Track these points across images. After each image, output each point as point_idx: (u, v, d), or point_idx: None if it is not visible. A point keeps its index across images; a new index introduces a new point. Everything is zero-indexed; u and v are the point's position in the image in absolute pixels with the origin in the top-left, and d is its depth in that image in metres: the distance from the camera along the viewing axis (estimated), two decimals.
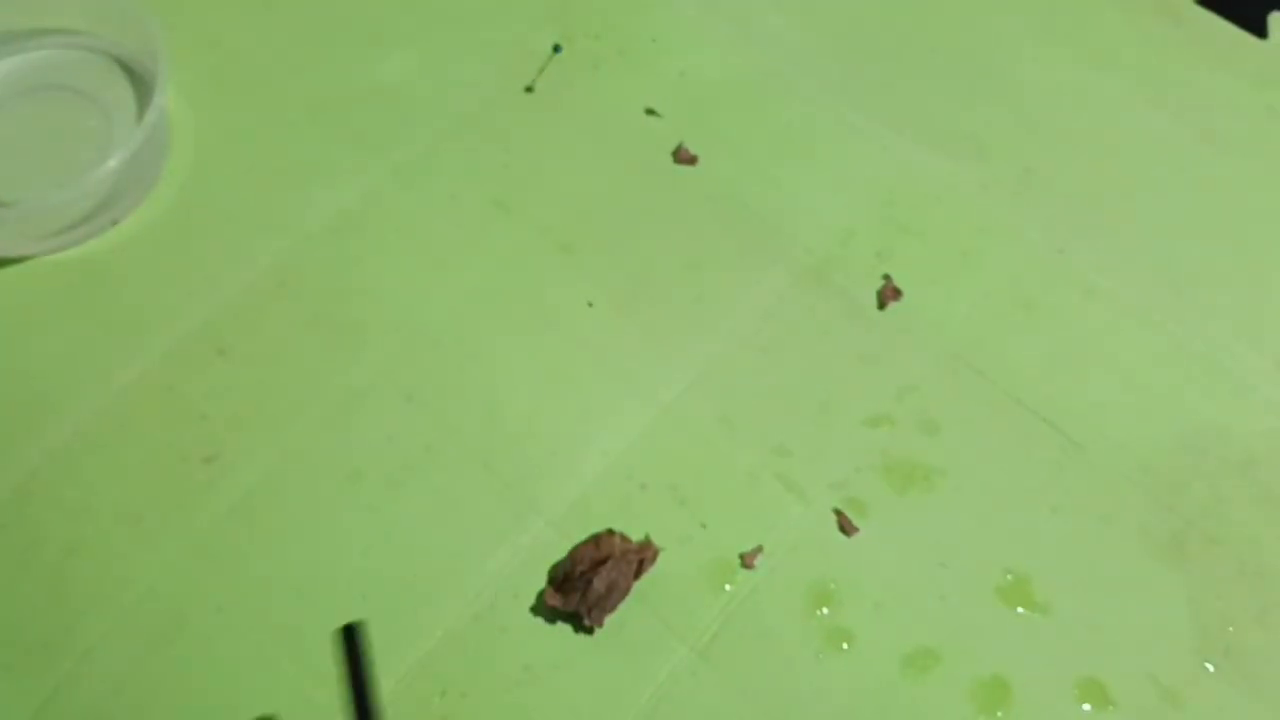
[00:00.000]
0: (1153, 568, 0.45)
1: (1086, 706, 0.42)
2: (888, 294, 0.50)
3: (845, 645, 0.43)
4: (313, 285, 0.50)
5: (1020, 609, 0.44)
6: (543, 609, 0.43)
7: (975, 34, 0.60)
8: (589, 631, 0.42)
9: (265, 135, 0.54)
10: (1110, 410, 0.48)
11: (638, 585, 0.43)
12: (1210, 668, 0.43)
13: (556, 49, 0.57)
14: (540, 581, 0.43)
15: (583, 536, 0.44)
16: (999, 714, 0.42)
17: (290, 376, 0.48)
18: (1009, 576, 0.44)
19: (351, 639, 0.35)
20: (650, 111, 0.56)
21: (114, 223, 0.51)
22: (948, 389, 0.48)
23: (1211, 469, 0.47)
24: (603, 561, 0.42)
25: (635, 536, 0.44)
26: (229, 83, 0.56)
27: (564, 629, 0.43)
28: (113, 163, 0.48)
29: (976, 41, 0.59)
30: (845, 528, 0.45)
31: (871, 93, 0.57)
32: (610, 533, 0.44)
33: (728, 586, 0.44)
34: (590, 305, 0.50)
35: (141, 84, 0.55)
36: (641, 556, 0.43)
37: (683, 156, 0.54)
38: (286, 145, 0.54)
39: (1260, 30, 0.61)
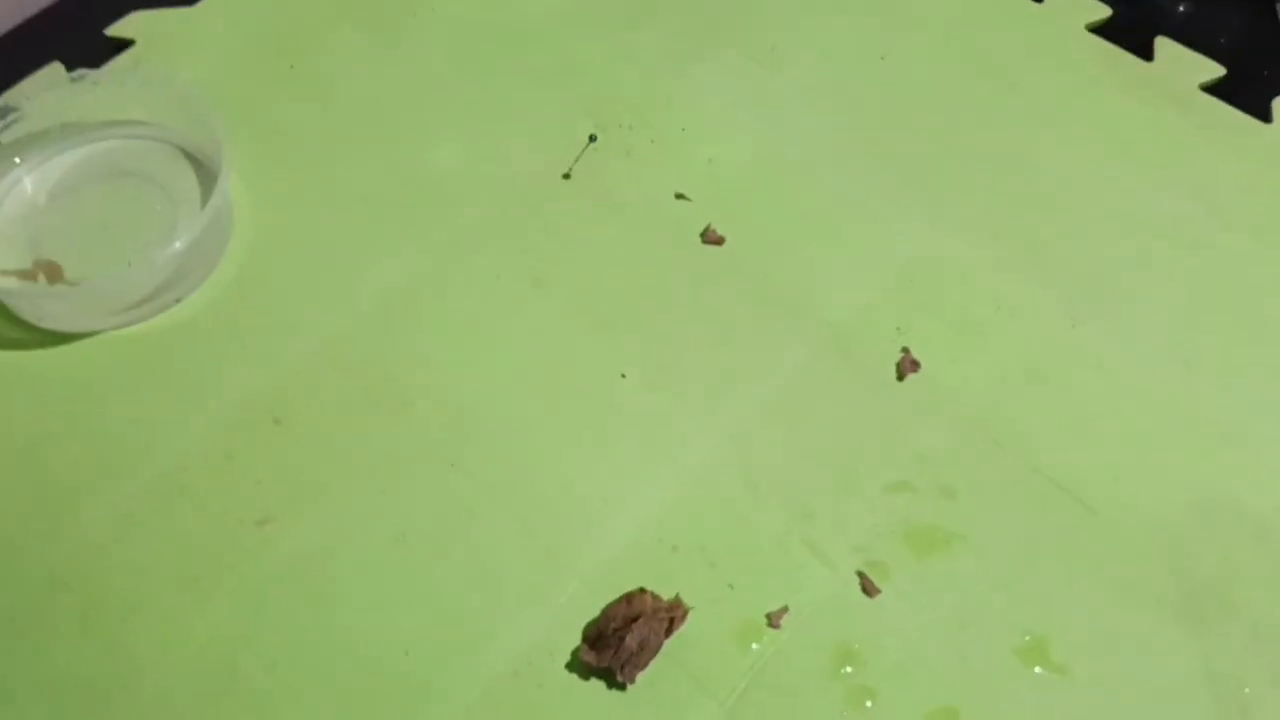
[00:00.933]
0: (1168, 631, 0.46)
1: None
2: (906, 366, 0.53)
3: (869, 703, 0.44)
4: (364, 359, 0.53)
5: (1039, 669, 0.45)
6: (578, 665, 0.45)
7: (989, 122, 0.63)
8: (622, 688, 0.44)
9: (321, 219, 0.58)
10: (1124, 478, 0.50)
11: (668, 644, 0.45)
12: None
13: (592, 138, 0.61)
14: (575, 639, 0.45)
15: (616, 596, 0.46)
16: None
17: (341, 444, 0.50)
18: (1027, 638, 0.46)
19: None
20: (680, 196, 0.59)
21: (177, 300, 0.55)
22: (965, 457, 0.50)
23: (1224, 536, 0.49)
24: (635, 619, 0.44)
25: (666, 596, 0.46)
26: (288, 170, 0.60)
27: (598, 685, 0.45)
28: (178, 245, 0.51)
29: (991, 129, 0.63)
30: (868, 589, 0.47)
31: (891, 178, 0.60)
32: (642, 591, 0.46)
33: (755, 645, 0.45)
34: (623, 377, 0.53)
35: (205, 171, 0.59)
36: (672, 615, 0.45)
37: (711, 238, 0.57)
38: (340, 228, 0.57)
39: (1265, 115, 0.64)
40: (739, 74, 0.65)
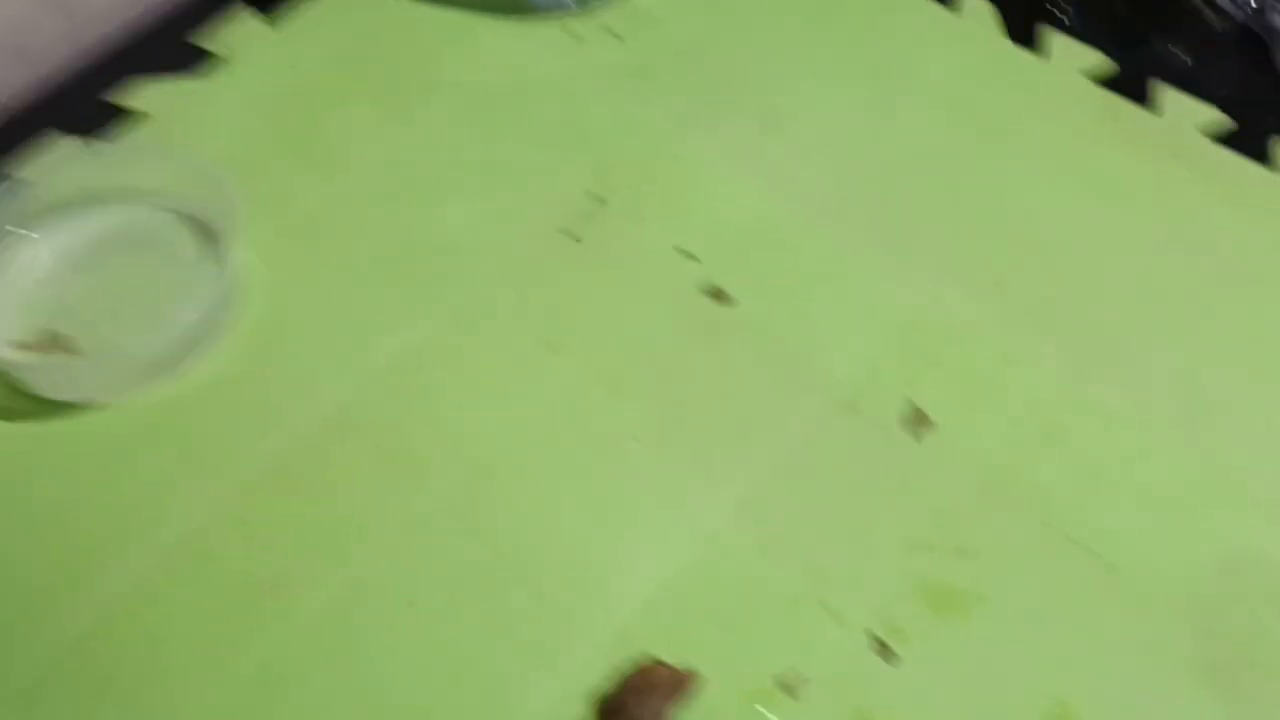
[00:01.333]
0: (1196, 694, 0.45)
1: None
2: (918, 422, 0.52)
3: None
4: (376, 423, 0.53)
5: None
6: None
7: (994, 177, 0.63)
8: None
9: (331, 285, 0.58)
10: (1146, 536, 0.49)
11: (678, 711, 0.44)
12: None
13: (599, 200, 0.62)
14: (586, 706, 0.45)
15: (628, 661, 0.46)
16: None
17: (354, 508, 0.50)
18: (1052, 704, 0.45)
19: None
20: (688, 255, 0.59)
21: (190, 369, 0.55)
22: (982, 516, 0.50)
23: (1252, 594, 0.48)
24: (646, 691, 0.44)
25: (678, 661, 0.45)
26: (298, 237, 0.60)
27: None
28: (190, 314, 0.52)
29: (995, 184, 0.63)
30: (885, 654, 0.46)
31: (895, 234, 0.60)
32: (656, 662, 0.45)
33: (771, 716, 0.45)
34: (635, 439, 0.53)
35: (217, 240, 0.59)
36: (681, 682, 0.44)
37: (718, 297, 0.57)
38: (351, 294, 0.58)
39: (1268, 161, 0.64)
40: (742, 135, 0.65)
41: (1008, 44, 0.70)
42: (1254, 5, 0.71)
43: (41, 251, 0.59)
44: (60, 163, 0.59)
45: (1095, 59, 0.69)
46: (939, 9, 0.72)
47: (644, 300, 0.58)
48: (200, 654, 0.46)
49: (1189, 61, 0.70)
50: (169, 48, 0.68)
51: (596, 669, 0.46)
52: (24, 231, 0.59)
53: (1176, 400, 0.54)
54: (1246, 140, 0.65)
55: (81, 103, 0.66)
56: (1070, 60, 0.69)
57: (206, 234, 0.60)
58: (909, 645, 0.46)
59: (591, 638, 0.47)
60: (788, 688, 0.45)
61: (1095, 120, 0.66)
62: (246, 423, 0.53)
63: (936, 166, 0.64)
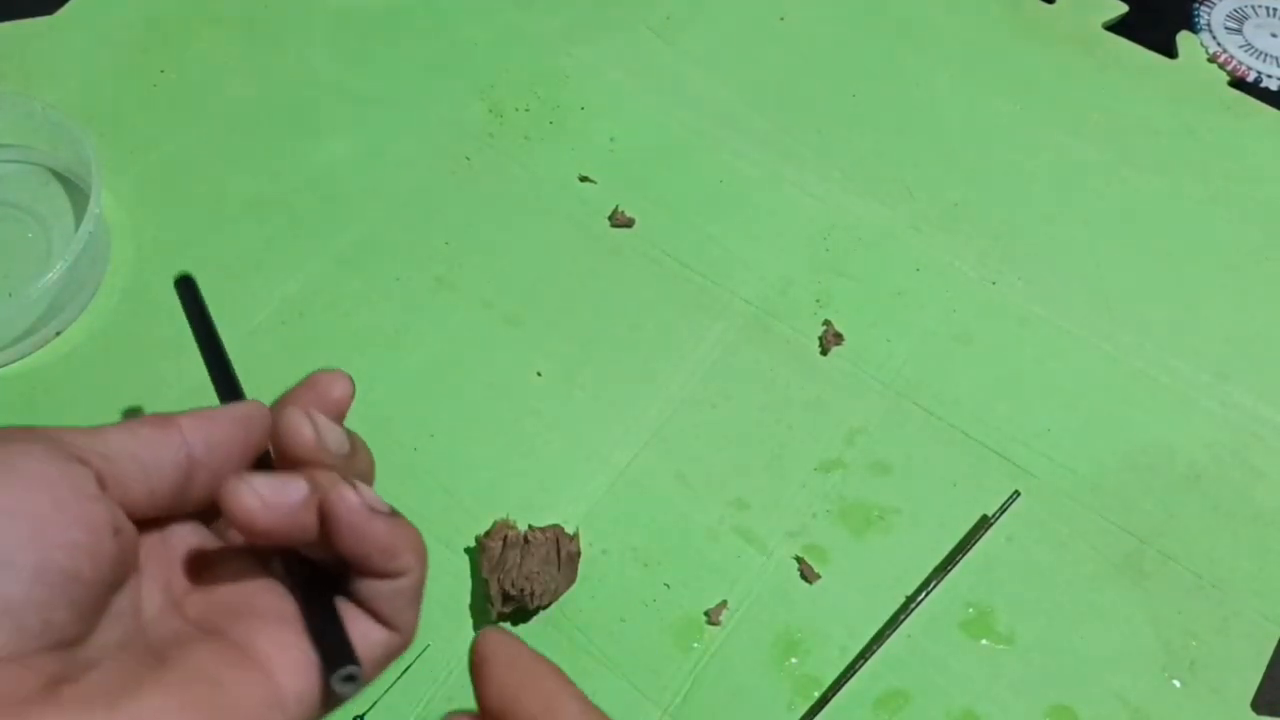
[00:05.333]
0: (1111, 589, 0.45)
1: None
2: (829, 339, 0.51)
3: (816, 694, 0.43)
4: (262, 379, 0.49)
5: (984, 641, 0.44)
6: None
7: (894, 76, 0.61)
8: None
9: (204, 234, 0.54)
10: (1056, 435, 0.49)
11: (605, 650, 0.43)
12: (1177, 684, 0.43)
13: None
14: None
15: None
16: None
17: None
18: (971, 610, 0.45)
19: (188, 291, 0.35)
20: (584, 178, 0.57)
21: (57, 333, 0.51)
22: (896, 428, 0.49)
23: (1160, 485, 0.48)
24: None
25: (599, 601, 0.44)
26: (165, 186, 0.56)
27: None
28: (51, 275, 0.48)
29: (896, 83, 0.61)
30: (807, 575, 0.45)
31: (798, 143, 0.58)
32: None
33: (695, 645, 0.44)
34: (539, 375, 0.51)
35: (78, 193, 0.55)
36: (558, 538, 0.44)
37: (619, 220, 0.55)
38: (227, 242, 0.54)
39: (1170, 51, 0.63)
40: (635, 46, 0.62)
41: None
42: None
43: None
44: None
45: None
46: None
47: (540, 228, 0.55)
48: None
49: None
50: None
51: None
52: None
53: (1085, 295, 0.53)
54: (1146, 31, 0.64)
55: None
56: None
57: (67, 186, 0.56)
58: (829, 565, 0.46)
59: None
60: (712, 619, 0.44)
61: (997, 13, 0.64)
62: (121, 390, 0.50)
63: (837, 68, 0.62)
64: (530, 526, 0.45)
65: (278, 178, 0.57)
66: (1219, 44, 0.64)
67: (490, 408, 0.50)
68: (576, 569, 0.45)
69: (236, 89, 0.60)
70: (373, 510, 0.25)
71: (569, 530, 0.45)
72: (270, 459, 0.28)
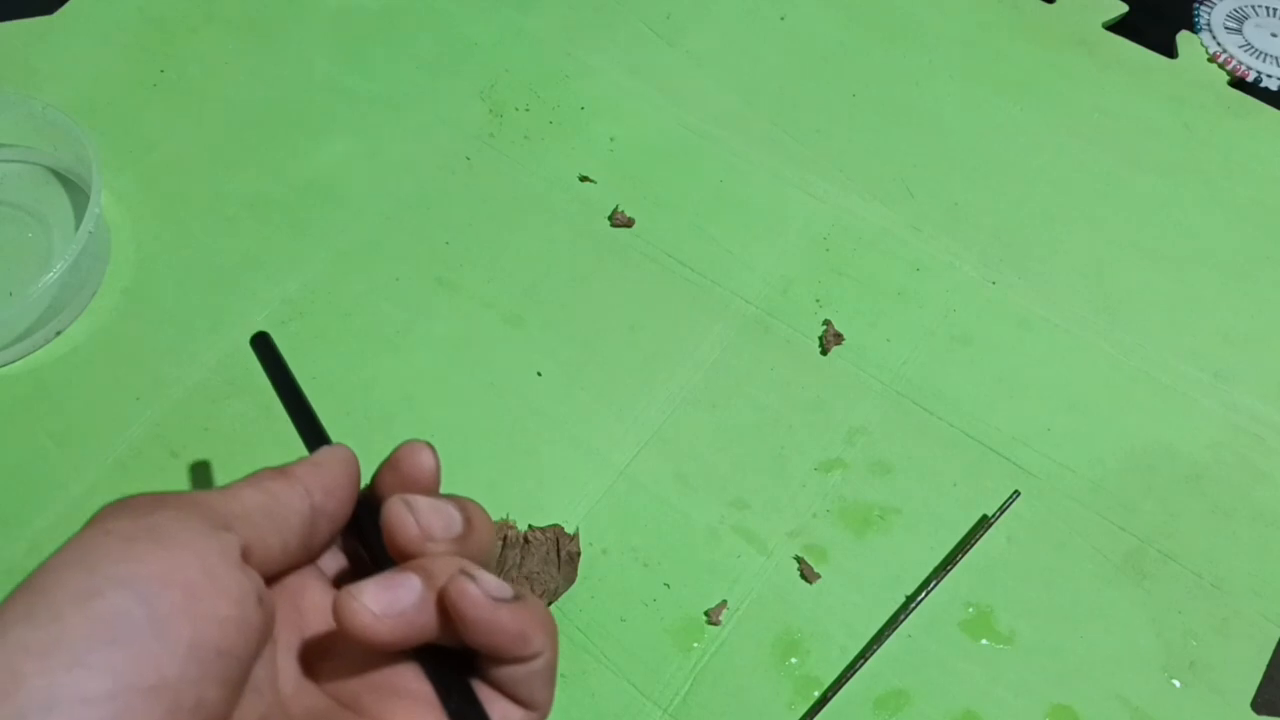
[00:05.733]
0: (1111, 589, 0.45)
1: None
2: (830, 339, 0.51)
3: (816, 693, 0.43)
4: (262, 380, 0.50)
5: (985, 641, 0.44)
6: None
7: (894, 77, 0.61)
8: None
9: (205, 234, 0.54)
10: (1056, 435, 0.49)
11: (605, 650, 0.43)
12: (1177, 684, 0.43)
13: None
14: None
15: None
16: None
17: (242, 472, 0.47)
18: (971, 610, 0.45)
19: (265, 348, 0.36)
20: (584, 178, 0.57)
21: (57, 333, 0.51)
22: (896, 428, 0.49)
23: (1160, 486, 0.48)
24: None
25: (599, 601, 0.44)
26: (166, 186, 0.56)
27: None
28: (51, 275, 0.48)
29: (896, 83, 0.61)
30: (807, 575, 0.45)
31: (798, 143, 0.58)
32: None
33: (695, 645, 0.44)
34: (540, 375, 0.51)
35: (78, 193, 0.55)
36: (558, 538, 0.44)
37: (619, 220, 0.55)
38: (227, 242, 0.54)
39: (1170, 51, 0.63)
40: (636, 46, 0.62)
41: None
42: None
43: None
44: None
45: None
46: None
47: (540, 228, 0.55)
48: None
49: None
50: None
51: None
52: None
53: (1085, 296, 0.53)
54: (1147, 31, 0.64)
55: None
56: None
57: (67, 186, 0.56)
58: (829, 564, 0.46)
59: None
60: (712, 619, 0.44)
61: (996, 14, 0.64)
62: (121, 388, 0.50)
63: (838, 69, 0.62)
64: (530, 526, 0.45)
65: (278, 178, 0.57)
66: (1219, 44, 0.64)
67: (491, 408, 0.50)
68: (576, 569, 0.45)
69: (236, 89, 0.60)
70: (496, 600, 0.24)
71: (569, 530, 0.45)
72: (384, 548, 0.27)
